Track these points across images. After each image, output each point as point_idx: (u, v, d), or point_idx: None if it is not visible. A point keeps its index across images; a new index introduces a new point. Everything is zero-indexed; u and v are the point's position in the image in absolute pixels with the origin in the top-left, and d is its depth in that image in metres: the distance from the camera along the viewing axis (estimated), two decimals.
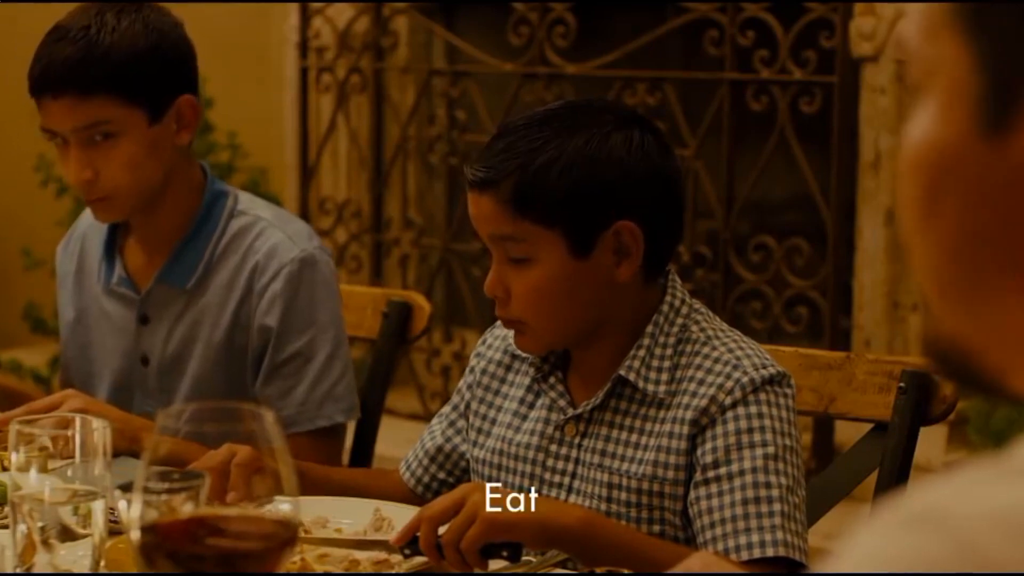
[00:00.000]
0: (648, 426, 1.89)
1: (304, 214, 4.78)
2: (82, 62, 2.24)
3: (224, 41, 4.98)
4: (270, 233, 2.36)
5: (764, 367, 1.86)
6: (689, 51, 4.17)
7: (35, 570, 1.45)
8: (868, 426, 2.05)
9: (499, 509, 1.67)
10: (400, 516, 1.82)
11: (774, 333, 3.82)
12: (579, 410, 1.93)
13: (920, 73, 0.76)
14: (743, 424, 1.83)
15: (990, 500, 0.66)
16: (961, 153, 0.74)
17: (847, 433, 3.47)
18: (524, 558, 1.69)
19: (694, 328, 1.91)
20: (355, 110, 4.71)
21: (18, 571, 1.45)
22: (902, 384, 1.98)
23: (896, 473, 1.98)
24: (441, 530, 1.68)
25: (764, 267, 3.90)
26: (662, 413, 1.88)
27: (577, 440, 1.93)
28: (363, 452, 2.49)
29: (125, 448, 2.02)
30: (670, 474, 1.86)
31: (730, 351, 1.88)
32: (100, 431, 1.51)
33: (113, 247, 2.43)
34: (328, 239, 4.77)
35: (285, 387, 2.31)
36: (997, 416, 3.51)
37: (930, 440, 3.40)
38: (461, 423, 2.09)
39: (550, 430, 1.96)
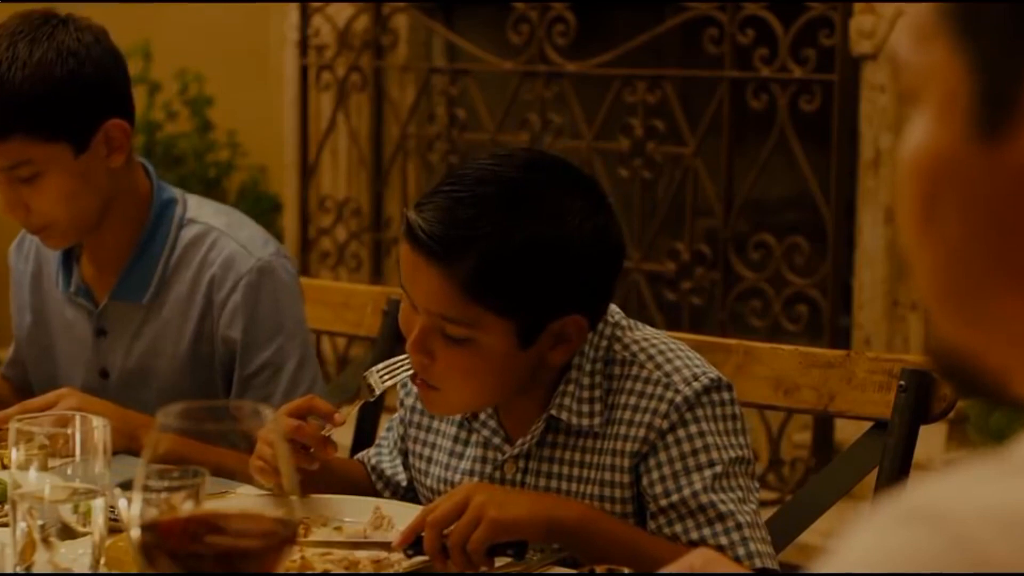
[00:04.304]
0: (588, 458, 1.83)
1: (304, 212, 4.79)
2: None
3: (224, 40, 4.98)
4: (223, 243, 2.30)
5: (696, 379, 1.79)
6: (689, 49, 4.17)
7: (35, 568, 1.45)
8: (868, 424, 2.05)
9: (502, 508, 1.67)
10: (400, 514, 1.82)
11: (774, 331, 3.83)
12: (515, 449, 1.87)
13: (914, 81, 0.76)
14: (685, 447, 1.78)
15: (987, 497, 0.66)
16: (958, 160, 0.74)
17: (847, 431, 3.48)
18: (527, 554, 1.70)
19: (617, 347, 1.84)
20: (355, 108, 4.71)
21: (18, 569, 1.45)
22: (902, 382, 1.98)
23: (896, 471, 1.97)
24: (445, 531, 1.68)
25: (764, 265, 3.90)
26: (599, 444, 1.82)
27: (519, 478, 1.88)
28: (363, 450, 2.49)
29: (123, 446, 2.02)
30: (617, 507, 1.82)
31: (658, 367, 1.81)
32: (100, 429, 1.51)
33: (70, 255, 2.38)
34: (328, 237, 4.77)
35: (259, 398, 2.25)
36: (997, 415, 3.51)
37: (930, 438, 3.40)
38: (400, 458, 2.06)
39: (489, 469, 1.90)
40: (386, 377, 1.88)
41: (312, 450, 1.85)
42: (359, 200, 4.74)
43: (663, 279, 4.12)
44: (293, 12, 4.75)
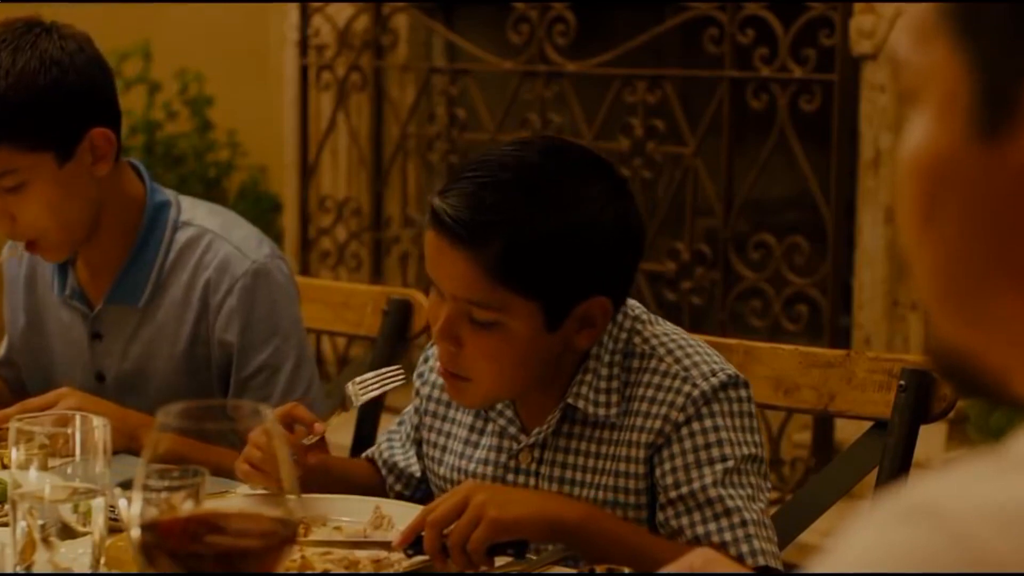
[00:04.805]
0: (603, 449, 1.85)
1: (304, 212, 4.79)
2: None
3: (224, 40, 4.98)
4: (218, 246, 2.29)
5: (714, 374, 1.81)
6: (689, 49, 4.17)
7: (35, 568, 1.45)
8: (868, 424, 2.05)
9: (502, 508, 1.67)
10: (400, 514, 1.82)
11: (774, 331, 3.82)
12: (531, 439, 1.88)
13: (914, 81, 0.76)
14: (699, 440, 1.79)
15: (986, 495, 0.66)
16: (958, 160, 0.74)
17: (847, 431, 3.47)
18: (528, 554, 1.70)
19: (637, 340, 1.86)
20: (355, 108, 4.71)
21: (18, 569, 1.45)
22: (902, 382, 1.98)
23: (896, 471, 1.98)
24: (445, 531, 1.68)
25: (764, 265, 3.90)
26: (615, 435, 1.84)
27: (534, 467, 1.89)
28: (363, 450, 2.49)
29: (123, 446, 2.02)
30: (631, 499, 1.83)
31: (677, 361, 1.82)
32: (100, 429, 1.51)
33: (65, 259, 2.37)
34: (328, 237, 4.77)
35: (256, 399, 2.22)
36: (997, 414, 3.51)
37: (930, 438, 3.39)
38: (413, 449, 2.06)
39: (504, 458, 1.91)
40: (372, 387, 1.89)
41: (295, 459, 1.85)
42: (359, 200, 4.74)
43: (663, 279, 4.12)
44: (293, 12, 4.75)
